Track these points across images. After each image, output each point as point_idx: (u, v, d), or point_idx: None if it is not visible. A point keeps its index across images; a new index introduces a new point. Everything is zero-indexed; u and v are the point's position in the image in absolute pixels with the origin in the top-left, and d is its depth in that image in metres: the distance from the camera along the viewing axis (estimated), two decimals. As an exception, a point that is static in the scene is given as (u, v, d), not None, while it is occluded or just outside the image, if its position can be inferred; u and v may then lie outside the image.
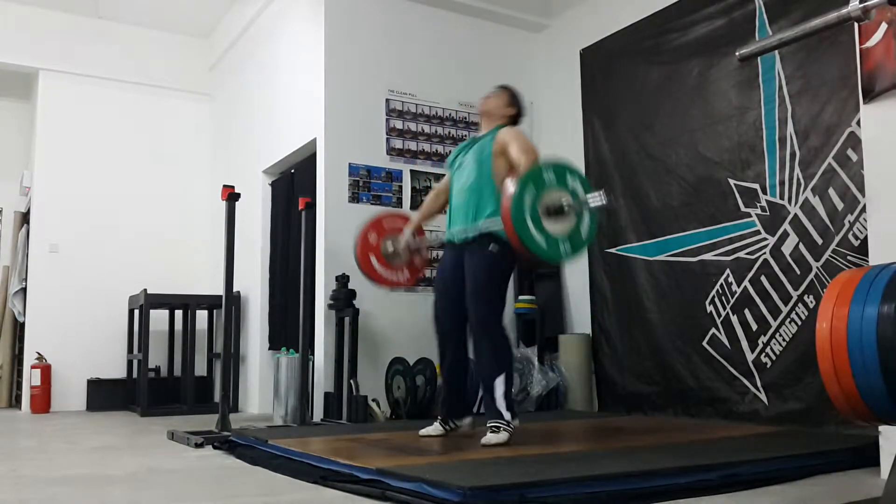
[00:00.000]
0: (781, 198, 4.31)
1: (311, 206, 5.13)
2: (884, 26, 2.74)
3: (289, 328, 6.02)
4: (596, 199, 3.16)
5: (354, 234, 4.22)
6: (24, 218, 7.47)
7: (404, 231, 4.13)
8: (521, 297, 5.73)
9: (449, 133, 5.82)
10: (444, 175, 5.68)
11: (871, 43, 2.80)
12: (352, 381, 4.96)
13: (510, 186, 3.12)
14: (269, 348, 6.32)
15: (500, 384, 3.45)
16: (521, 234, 3.05)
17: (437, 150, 5.75)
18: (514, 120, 3.89)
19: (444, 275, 3.81)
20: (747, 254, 4.48)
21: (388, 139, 5.59)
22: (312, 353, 5.17)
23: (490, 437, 3.35)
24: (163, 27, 7.44)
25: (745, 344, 4.45)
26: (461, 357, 3.75)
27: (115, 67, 7.29)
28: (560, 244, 3.13)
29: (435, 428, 3.72)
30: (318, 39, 5.53)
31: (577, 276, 5.74)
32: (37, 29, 6.98)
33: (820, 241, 4.10)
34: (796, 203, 4.23)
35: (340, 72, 5.49)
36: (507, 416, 3.41)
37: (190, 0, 6.98)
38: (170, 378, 6.91)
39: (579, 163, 5.69)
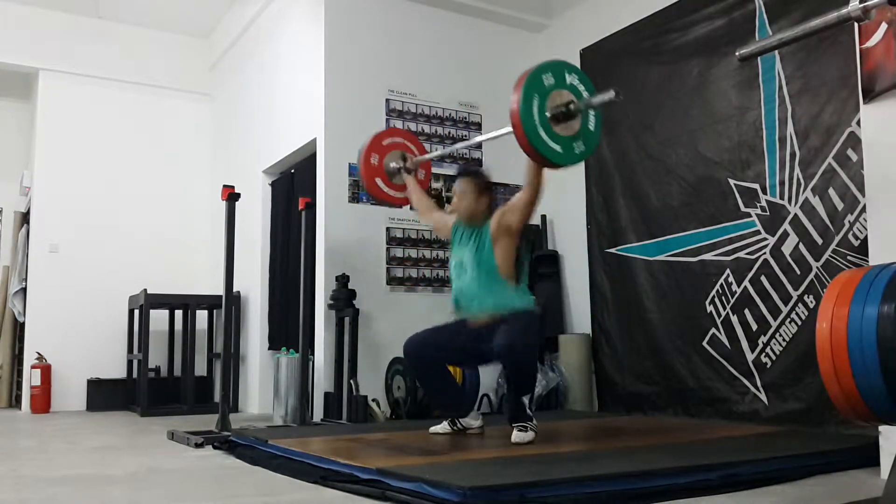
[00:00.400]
0: (781, 198, 4.31)
1: (311, 206, 5.13)
2: (884, 26, 2.74)
3: (288, 328, 6.02)
4: (603, 95, 3.12)
5: (357, 153, 4.31)
6: (24, 218, 7.47)
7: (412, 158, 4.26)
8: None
9: (449, 133, 5.82)
10: (443, 174, 5.71)
11: (871, 43, 2.80)
12: (352, 381, 4.96)
13: (514, 94, 3.08)
14: (269, 348, 6.32)
15: (526, 398, 3.54)
16: (536, 144, 3.02)
17: (436, 150, 5.74)
18: (490, 207, 3.83)
19: (453, 331, 3.77)
20: (747, 254, 4.47)
21: (388, 139, 5.58)
22: (312, 353, 5.17)
23: (521, 436, 3.42)
24: (163, 27, 7.44)
25: (745, 344, 4.45)
26: (438, 365, 3.80)
27: (116, 67, 7.29)
28: (574, 145, 3.12)
29: (443, 427, 3.79)
30: (318, 39, 5.53)
31: (577, 276, 5.74)
32: (37, 29, 6.98)
33: (820, 241, 4.10)
34: (796, 203, 4.23)
35: (340, 72, 5.49)
36: (533, 419, 3.52)
37: (190, 0, 6.98)
38: (170, 378, 6.91)
39: (579, 164, 5.67)
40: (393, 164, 4.29)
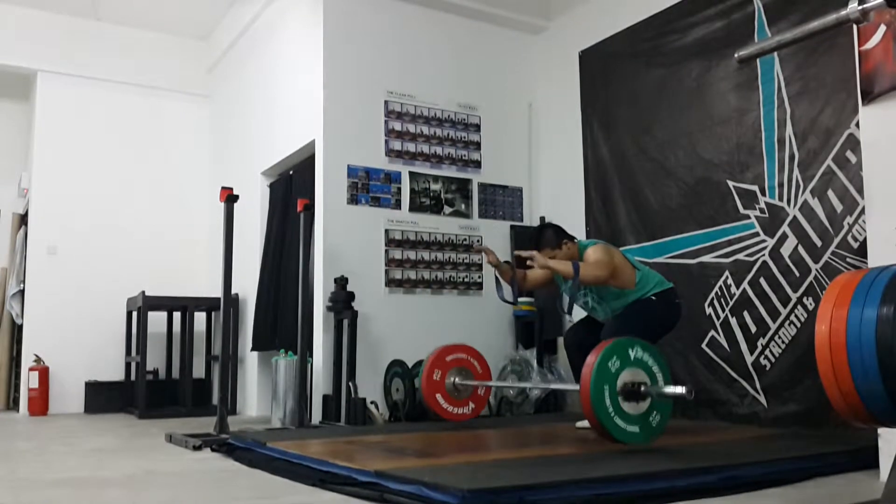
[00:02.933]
0: (780, 200, 4.31)
1: (310, 208, 5.13)
2: (882, 28, 2.74)
3: (281, 330, 6.01)
4: (674, 389, 3.15)
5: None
6: (23, 219, 7.47)
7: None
8: (521, 300, 5.71)
9: (448, 135, 5.82)
10: (442, 176, 5.71)
11: (869, 45, 2.80)
12: (350, 384, 4.95)
13: (591, 356, 3.15)
14: (253, 349, 6.31)
15: None
16: (597, 408, 3.05)
17: (435, 152, 5.75)
18: (570, 238, 4.07)
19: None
20: (746, 256, 4.47)
21: (386, 141, 5.59)
22: (311, 356, 5.17)
23: (584, 422, 3.62)
24: (161, 29, 7.44)
25: (744, 346, 4.44)
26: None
27: (114, 69, 7.29)
28: (631, 425, 3.13)
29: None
30: (317, 41, 5.53)
31: (575, 278, 5.73)
32: (36, 30, 6.98)
33: (819, 243, 4.10)
34: (795, 205, 4.23)
35: (339, 73, 5.49)
36: None
37: (189, 2, 6.98)
38: (168, 380, 6.90)
39: (578, 164, 5.69)
40: (454, 382, 4.35)
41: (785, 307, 4.24)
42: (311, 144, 5.59)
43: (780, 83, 4.32)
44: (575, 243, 4.06)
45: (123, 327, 6.94)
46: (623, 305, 3.94)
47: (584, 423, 3.80)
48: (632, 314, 3.89)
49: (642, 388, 3.15)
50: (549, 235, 4.02)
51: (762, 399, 4.33)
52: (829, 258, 4.04)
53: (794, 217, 4.22)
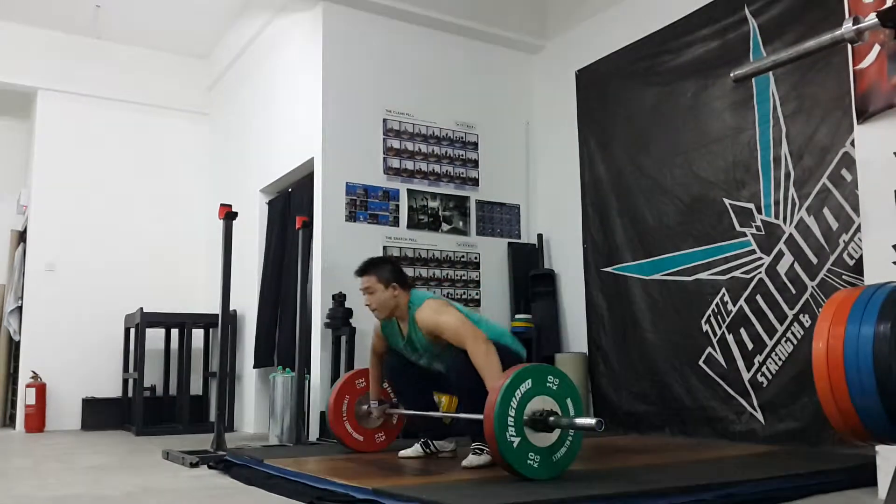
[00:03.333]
0: (776, 217, 4.33)
1: (308, 225, 5.14)
2: (877, 48, 2.77)
3: (280, 347, 6.01)
4: (586, 421, 2.87)
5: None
6: (21, 236, 7.47)
7: (371, 404, 4.00)
8: (517, 316, 5.73)
9: (446, 153, 5.85)
10: (440, 193, 5.72)
11: (864, 64, 2.83)
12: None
13: (497, 384, 2.90)
14: (255, 366, 6.31)
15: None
16: (500, 441, 2.79)
17: (433, 170, 5.77)
18: (402, 280, 3.66)
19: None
20: (743, 273, 4.49)
21: (385, 158, 5.61)
22: (309, 372, 5.16)
23: (472, 459, 3.30)
24: (161, 47, 7.48)
25: (741, 363, 4.45)
26: (423, 388, 3.76)
27: (114, 87, 7.33)
28: (529, 454, 2.85)
29: (415, 450, 3.70)
30: (316, 60, 5.57)
31: (573, 295, 5.75)
32: (36, 49, 7.02)
33: (815, 261, 4.11)
34: (791, 223, 4.25)
35: (338, 92, 5.52)
36: None
37: (188, 21, 7.02)
38: (165, 397, 6.88)
39: (575, 182, 5.72)
40: (364, 407, 4.03)
41: (781, 324, 4.25)
42: (310, 162, 5.61)
43: (776, 102, 4.36)
44: (406, 292, 3.63)
45: (121, 344, 6.92)
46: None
47: (409, 452, 3.67)
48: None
49: (551, 419, 2.88)
50: (385, 270, 3.63)
51: (759, 416, 4.33)
52: (826, 276, 4.05)
53: (791, 235, 4.24)
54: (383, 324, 3.75)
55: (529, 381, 2.89)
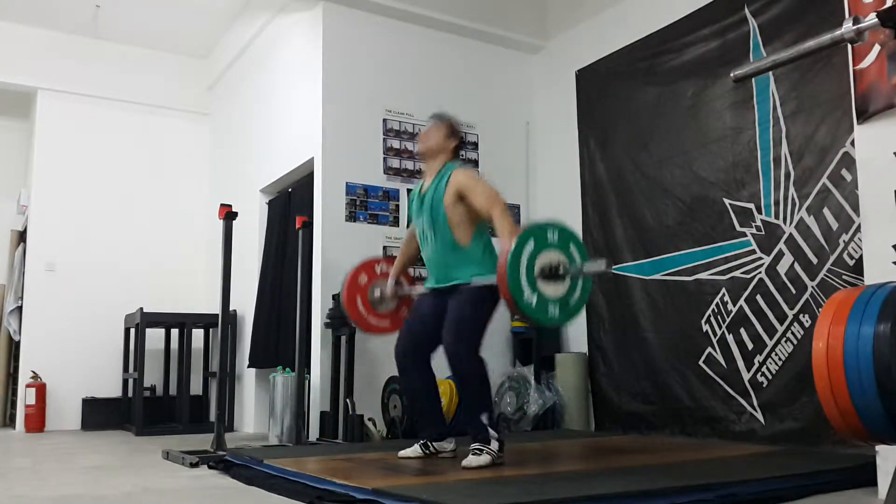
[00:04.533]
0: (776, 217, 4.33)
1: (309, 225, 5.14)
2: (877, 48, 2.77)
3: (279, 347, 6.01)
4: (595, 265, 3.13)
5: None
6: (21, 236, 7.47)
7: (388, 281, 4.05)
8: (517, 317, 5.72)
9: (446, 152, 5.84)
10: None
11: (864, 64, 2.83)
12: (348, 401, 4.95)
13: (507, 243, 3.07)
14: (249, 366, 6.31)
15: (484, 417, 3.43)
16: (514, 291, 3.00)
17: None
18: (457, 151, 3.80)
19: (421, 313, 3.76)
20: (743, 273, 4.49)
21: (385, 158, 5.61)
22: (308, 372, 5.16)
23: (471, 460, 3.31)
24: (161, 47, 7.48)
25: (741, 363, 4.45)
26: (429, 384, 3.73)
27: (114, 87, 7.33)
28: (550, 307, 3.08)
29: (414, 450, 3.69)
30: (316, 60, 5.57)
31: (573, 295, 5.74)
32: (36, 48, 7.02)
33: (815, 261, 4.11)
34: (791, 223, 4.25)
35: (338, 92, 5.52)
36: (494, 444, 3.37)
37: (188, 21, 7.02)
38: (165, 397, 6.88)
39: (575, 182, 5.72)
40: (378, 292, 4.10)
41: (781, 324, 4.25)
42: (310, 162, 5.61)
43: (776, 102, 4.36)
44: (452, 156, 3.74)
45: (121, 344, 6.93)
46: (459, 276, 3.54)
47: (408, 452, 3.68)
48: (473, 302, 3.48)
49: (561, 270, 3.10)
50: (455, 129, 3.78)
51: (759, 416, 4.33)
52: (826, 275, 4.05)
53: (791, 235, 4.25)
54: (413, 194, 3.82)
55: (532, 241, 3.06)
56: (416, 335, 3.70)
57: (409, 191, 5.65)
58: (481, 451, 3.33)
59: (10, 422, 7.10)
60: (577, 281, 3.16)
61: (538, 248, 3.08)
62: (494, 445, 3.36)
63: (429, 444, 3.69)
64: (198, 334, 6.91)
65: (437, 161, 3.72)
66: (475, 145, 6.00)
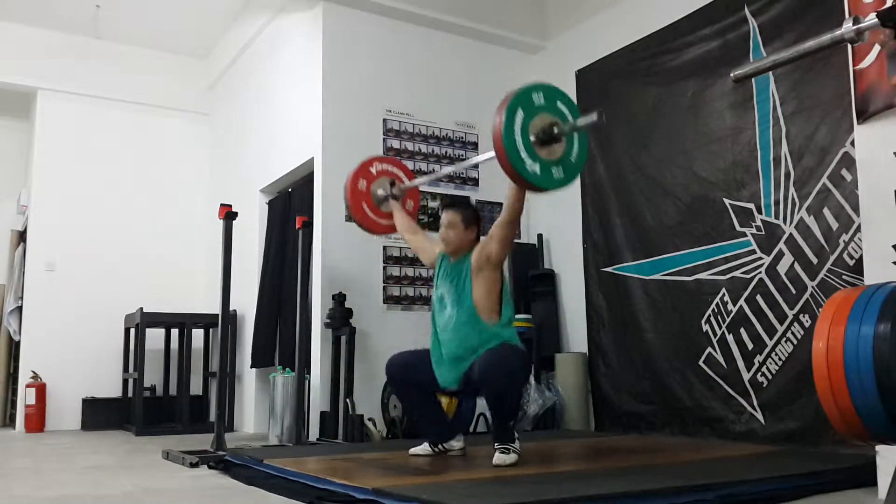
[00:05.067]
0: (776, 217, 4.33)
1: (309, 225, 5.14)
2: (877, 48, 2.77)
3: (279, 347, 6.01)
4: (587, 118, 3.07)
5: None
6: (21, 236, 7.47)
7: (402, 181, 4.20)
8: (517, 316, 5.69)
9: (446, 153, 5.85)
10: (440, 193, 5.71)
11: (864, 64, 2.83)
12: (348, 401, 4.95)
13: (496, 116, 3.08)
14: (252, 366, 6.31)
15: (513, 423, 3.50)
16: (514, 161, 2.99)
17: (434, 170, 5.76)
18: (479, 234, 3.80)
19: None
20: (743, 273, 4.49)
21: (385, 158, 5.61)
22: (308, 372, 5.16)
23: (503, 458, 3.37)
24: (161, 47, 7.48)
25: (741, 363, 4.45)
26: (425, 392, 3.75)
27: (114, 87, 7.33)
28: (552, 170, 3.08)
29: (424, 448, 3.73)
30: (316, 60, 5.57)
31: (573, 294, 5.75)
32: (36, 49, 7.02)
33: (815, 261, 4.11)
34: (791, 223, 4.25)
35: (338, 92, 5.52)
36: (517, 443, 3.45)
37: (188, 21, 7.02)
38: (165, 397, 6.88)
39: (575, 183, 5.69)
40: (381, 191, 4.21)
41: (781, 324, 4.25)
42: (310, 162, 5.61)
43: (776, 102, 4.36)
44: (477, 235, 3.79)
45: (121, 344, 6.93)
46: (476, 345, 3.53)
47: (418, 450, 3.72)
48: (504, 357, 3.43)
49: (555, 130, 3.07)
50: (470, 212, 3.85)
51: (759, 416, 4.33)
52: (826, 276, 4.05)
53: (791, 235, 4.25)
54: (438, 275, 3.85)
55: (520, 109, 3.07)
56: (417, 370, 3.70)
57: (409, 191, 5.66)
58: (508, 450, 3.39)
59: (10, 422, 7.10)
60: (572, 137, 3.15)
61: (528, 115, 3.07)
62: (518, 444, 3.44)
63: (438, 444, 3.71)
64: (198, 334, 6.91)
65: (464, 251, 3.74)
66: (475, 145, 6.00)
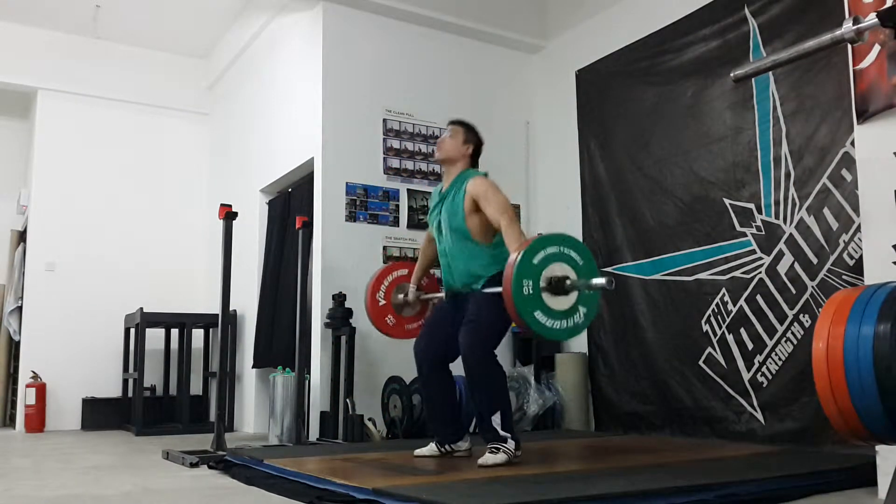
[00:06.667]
0: (777, 217, 4.33)
1: (308, 225, 5.14)
2: (877, 48, 2.77)
3: (279, 347, 6.01)
4: (600, 281, 3.10)
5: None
6: (21, 236, 7.47)
7: (410, 289, 4.16)
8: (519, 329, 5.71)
9: (446, 152, 5.84)
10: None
11: (864, 64, 2.83)
12: (348, 401, 4.95)
13: (513, 255, 3.08)
14: (254, 366, 6.31)
15: (497, 418, 3.43)
16: (518, 303, 2.99)
17: (433, 170, 5.77)
18: (475, 156, 3.85)
19: (438, 318, 3.81)
20: (743, 273, 4.49)
21: (385, 158, 5.61)
22: (308, 372, 5.16)
23: (488, 458, 3.33)
24: (161, 47, 7.48)
25: (741, 363, 4.45)
26: (446, 384, 3.74)
27: (114, 87, 7.33)
28: (557, 321, 3.08)
29: (430, 448, 3.71)
30: (316, 60, 5.57)
31: (573, 295, 5.74)
32: (36, 49, 7.02)
33: (815, 261, 4.11)
34: (791, 223, 4.25)
35: (338, 92, 5.52)
36: (510, 443, 3.39)
37: (188, 20, 7.02)
38: (165, 397, 6.89)
39: (575, 182, 5.72)
40: (400, 296, 4.23)
41: (781, 324, 4.25)
42: (310, 162, 5.61)
43: (776, 102, 4.36)
44: (470, 163, 3.81)
45: (121, 344, 6.93)
46: (472, 271, 3.58)
47: (425, 451, 3.70)
48: (488, 306, 3.47)
49: (567, 283, 3.09)
50: (472, 134, 3.86)
51: (759, 416, 4.33)
52: (826, 276, 4.05)
53: (791, 235, 4.25)
54: (433, 200, 3.88)
55: (538, 253, 3.07)
56: (433, 339, 3.74)
57: (409, 191, 5.67)
58: (498, 449, 3.35)
59: (10, 422, 7.10)
60: (582, 295, 3.14)
61: (545, 261, 3.07)
62: (511, 444, 3.38)
63: (445, 444, 3.71)
64: (198, 334, 6.91)
65: (456, 168, 3.78)
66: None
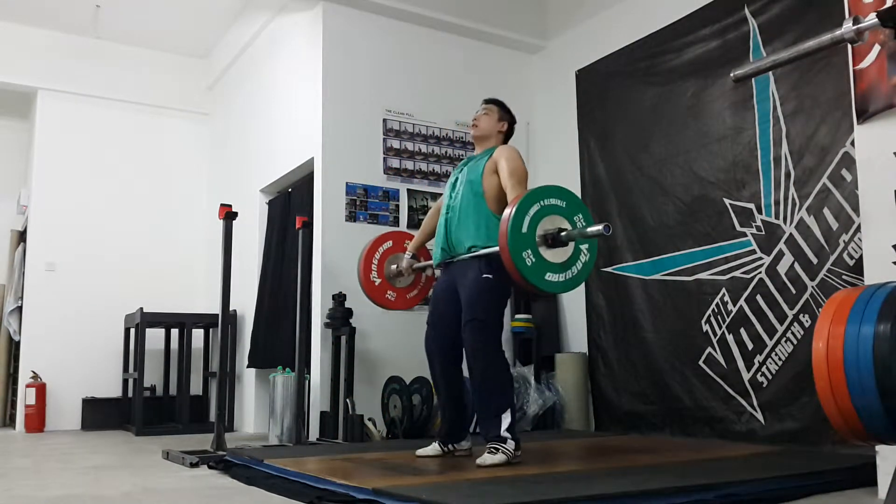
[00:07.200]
0: (777, 217, 4.33)
1: (309, 225, 5.14)
2: (877, 48, 2.77)
3: (279, 347, 6.01)
4: (594, 228, 3.11)
5: (356, 260, 4.24)
6: (21, 236, 7.47)
7: (405, 255, 4.19)
8: (517, 316, 5.73)
9: (446, 153, 5.85)
10: (440, 193, 5.71)
11: (864, 64, 2.83)
12: (348, 401, 4.95)
13: (507, 210, 3.12)
14: (249, 366, 6.31)
15: (506, 417, 3.41)
16: (517, 261, 3.03)
17: (433, 170, 5.77)
18: (509, 134, 3.93)
19: (437, 301, 3.80)
20: (743, 273, 4.49)
21: (385, 158, 5.61)
22: (308, 372, 5.16)
23: (486, 458, 3.33)
24: (161, 47, 7.48)
25: (741, 363, 4.45)
26: (455, 380, 3.74)
27: (114, 87, 7.33)
28: (556, 274, 3.11)
29: (433, 448, 3.71)
30: (316, 60, 5.57)
31: (573, 294, 5.72)
32: (36, 49, 7.03)
33: (815, 261, 4.11)
34: (791, 223, 4.25)
35: (338, 92, 5.52)
36: (510, 443, 3.37)
37: (188, 20, 7.02)
38: (165, 397, 6.89)
39: (575, 182, 5.72)
40: (393, 267, 4.24)
41: (781, 324, 4.25)
42: (310, 162, 5.61)
43: (776, 102, 4.36)
44: (503, 139, 3.89)
45: (121, 344, 6.93)
46: (476, 235, 3.58)
47: (427, 450, 3.69)
48: (485, 290, 3.50)
49: (562, 234, 3.12)
50: (507, 112, 3.93)
51: (759, 416, 4.33)
52: (826, 276, 4.05)
53: (791, 235, 4.25)
54: (458, 167, 3.93)
55: (533, 206, 3.09)
56: (439, 330, 3.74)
57: (409, 191, 5.67)
58: (497, 449, 3.34)
59: (10, 422, 7.11)
60: (579, 245, 3.17)
61: (540, 214, 3.10)
62: (510, 445, 3.36)
63: (448, 443, 3.72)
64: (198, 334, 6.92)
65: (488, 143, 3.86)
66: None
